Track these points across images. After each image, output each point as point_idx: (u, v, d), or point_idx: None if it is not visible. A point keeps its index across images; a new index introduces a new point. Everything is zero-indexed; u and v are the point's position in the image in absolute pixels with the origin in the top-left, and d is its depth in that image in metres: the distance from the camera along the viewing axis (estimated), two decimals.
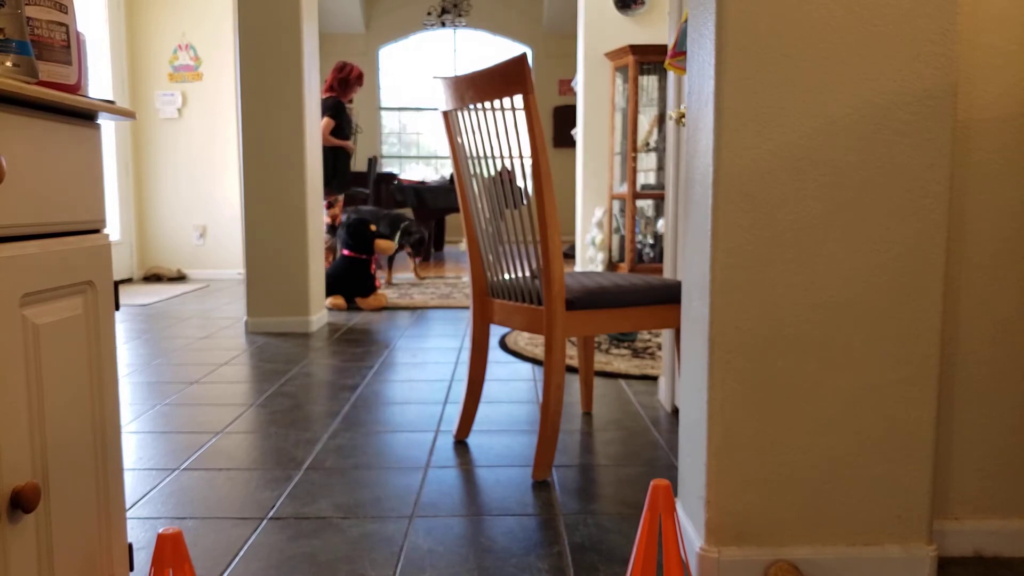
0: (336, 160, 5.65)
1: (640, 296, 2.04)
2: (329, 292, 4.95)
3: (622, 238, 6.13)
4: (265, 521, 1.73)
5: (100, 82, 6.21)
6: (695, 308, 1.45)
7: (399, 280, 6.45)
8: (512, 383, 2.98)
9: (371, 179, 8.30)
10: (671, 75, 2.55)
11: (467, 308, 4.91)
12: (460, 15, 10.53)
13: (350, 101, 5.72)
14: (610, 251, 6.14)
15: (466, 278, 6.60)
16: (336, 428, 2.40)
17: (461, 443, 2.27)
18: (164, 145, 6.57)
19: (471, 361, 2.28)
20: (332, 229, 5.69)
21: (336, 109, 5.58)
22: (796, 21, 1.31)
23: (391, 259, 6.30)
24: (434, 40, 10.98)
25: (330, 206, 5.70)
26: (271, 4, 3.96)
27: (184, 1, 6.48)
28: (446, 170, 11.03)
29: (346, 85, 5.59)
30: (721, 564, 1.39)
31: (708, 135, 1.37)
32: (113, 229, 6.31)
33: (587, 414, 2.56)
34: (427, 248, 8.26)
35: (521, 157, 1.94)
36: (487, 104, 1.97)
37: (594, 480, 1.98)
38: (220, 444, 2.26)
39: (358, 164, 10.86)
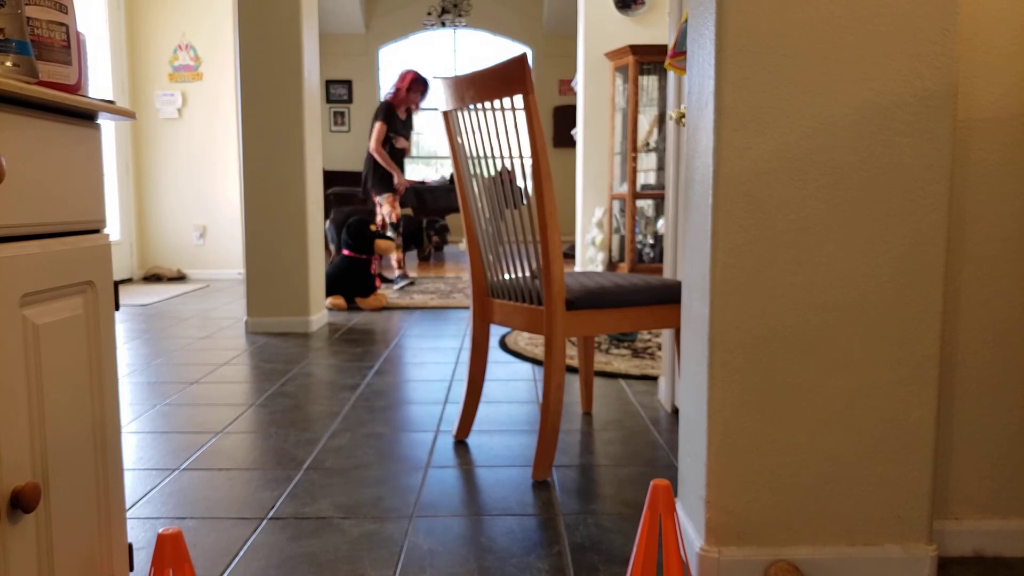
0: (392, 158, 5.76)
1: (640, 296, 2.04)
2: (329, 292, 4.95)
3: (622, 238, 6.13)
4: (265, 521, 1.73)
5: (100, 82, 6.21)
6: (695, 308, 1.45)
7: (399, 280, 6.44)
8: (512, 383, 2.98)
9: None
10: (671, 75, 2.55)
11: (467, 308, 4.91)
12: (460, 15, 10.53)
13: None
14: (610, 251, 6.13)
15: (466, 277, 6.60)
16: (336, 428, 2.40)
17: (461, 443, 2.27)
18: (164, 145, 6.57)
19: (471, 361, 2.28)
20: (395, 227, 5.80)
21: (386, 113, 5.69)
22: (796, 21, 1.31)
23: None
24: (434, 40, 10.98)
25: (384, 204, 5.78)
26: (271, 4, 3.96)
27: (184, 1, 6.48)
28: (446, 170, 11.03)
29: (400, 95, 5.75)
30: (721, 564, 1.39)
31: (708, 135, 1.37)
32: (113, 229, 6.31)
33: (587, 414, 2.56)
34: (428, 247, 8.28)
35: (521, 157, 1.94)
36: (487, 104, 1.97)
37: (594, 480, 1.98)
38: (220, 444, 2.26)
39: (357, 164, 10.87)
